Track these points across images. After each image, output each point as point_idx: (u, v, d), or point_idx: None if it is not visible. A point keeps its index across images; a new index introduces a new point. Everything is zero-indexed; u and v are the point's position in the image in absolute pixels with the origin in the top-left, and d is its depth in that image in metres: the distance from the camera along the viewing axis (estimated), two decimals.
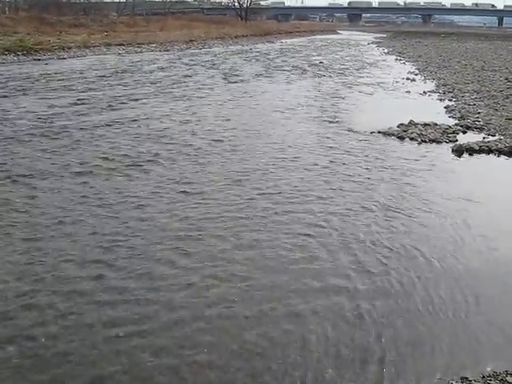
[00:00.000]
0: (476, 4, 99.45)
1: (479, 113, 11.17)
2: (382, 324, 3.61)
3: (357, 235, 4.98)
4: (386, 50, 34.56)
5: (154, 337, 3.39)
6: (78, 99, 11.90)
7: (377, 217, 5.43)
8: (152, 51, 27.10)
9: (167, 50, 27.92)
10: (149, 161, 7.20)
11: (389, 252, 4.65)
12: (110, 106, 11.23)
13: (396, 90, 14.92)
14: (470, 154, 8.13)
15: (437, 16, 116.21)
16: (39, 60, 20.45)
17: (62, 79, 15.20)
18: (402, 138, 9.02)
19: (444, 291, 4.04)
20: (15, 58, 20.30)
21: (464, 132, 9.55)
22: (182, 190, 6.06)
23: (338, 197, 6.01)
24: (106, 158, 7.28)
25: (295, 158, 7.60)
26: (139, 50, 27.30)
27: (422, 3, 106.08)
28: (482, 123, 10.06)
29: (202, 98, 12.73)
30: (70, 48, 24.12)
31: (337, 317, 3.67)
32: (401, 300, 3.91)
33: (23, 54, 21.21)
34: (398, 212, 5.59)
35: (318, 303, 3.81)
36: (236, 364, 3.18)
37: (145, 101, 11.95)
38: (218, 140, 8.50)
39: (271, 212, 5.47)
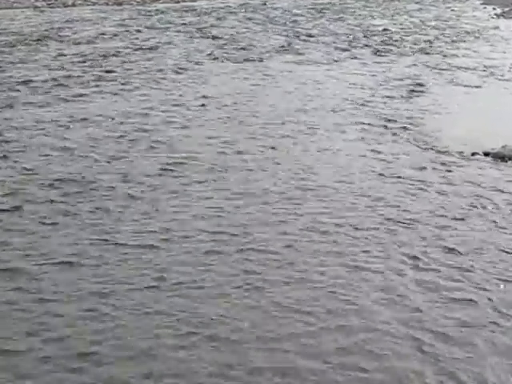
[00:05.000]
0: None
1: None
2: None
3: None
4: (498, 10, 26.71)
5: None
6: None
7: None
8: (90, 5, 19.78)
9: (119, 4, 20.89)
10: None
11: None
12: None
13: None
14: None
15: None
16: None
17: None
18: None
19: None
20: None
21: None
22: None
23: None
24: None
25: (336, 212, 5.50)
26: (70, 2, 19.91)
27: None
28: None
29: (180, 86, 9.60)
30: None
31: None
32: None
33: None
34: None
35: None
36: None
37: (81, 91, 9.43)
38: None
39: None
